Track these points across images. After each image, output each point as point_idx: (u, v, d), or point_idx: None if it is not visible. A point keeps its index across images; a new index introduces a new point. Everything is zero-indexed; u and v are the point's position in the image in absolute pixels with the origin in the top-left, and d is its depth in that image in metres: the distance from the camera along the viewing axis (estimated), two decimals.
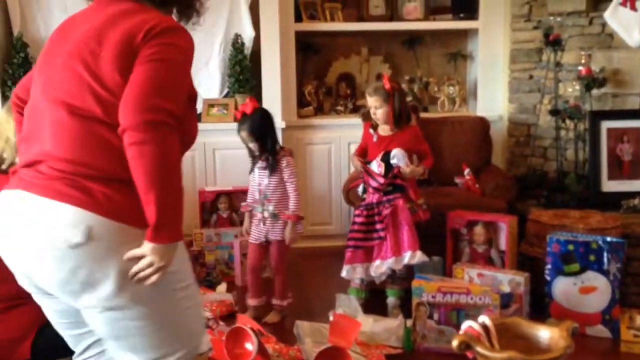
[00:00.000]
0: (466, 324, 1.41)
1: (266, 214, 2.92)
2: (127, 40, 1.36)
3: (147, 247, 1.33)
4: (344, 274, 2.96)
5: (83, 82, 1.38)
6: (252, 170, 2.97)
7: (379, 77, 4.51)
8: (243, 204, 3.10)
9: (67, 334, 1.58)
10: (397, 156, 2.88)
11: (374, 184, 2.93)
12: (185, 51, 1.40)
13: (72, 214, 1.33)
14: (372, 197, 2.96)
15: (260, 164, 2.92)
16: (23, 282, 1.48)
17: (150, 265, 1.33)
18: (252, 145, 2.88)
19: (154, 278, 1.34)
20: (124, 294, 1.36)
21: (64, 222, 1.33)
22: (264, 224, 2.93)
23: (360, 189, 3.10)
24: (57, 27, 1.57)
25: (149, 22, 1.38)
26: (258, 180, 2.93)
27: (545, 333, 1.35)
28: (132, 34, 1.36)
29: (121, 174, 1.35)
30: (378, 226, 2.91)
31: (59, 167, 1.36)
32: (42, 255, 1.36)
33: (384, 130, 3.01)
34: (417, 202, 3.01)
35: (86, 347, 1.58)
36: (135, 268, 1.34)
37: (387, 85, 2.92)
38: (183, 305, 1.47)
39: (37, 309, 1.58)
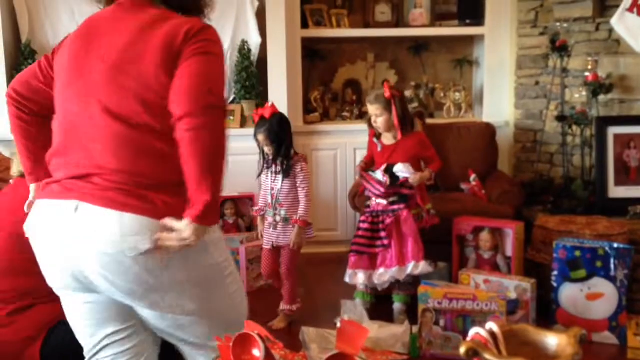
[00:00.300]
0: (473, 331, 1.40)
1: (278, 219, 2.92)
2: (169, 43, 1.40)
3: (188, 225, 1.35)
4: (346, 278, 2.97)
5: (129, 92, 1.41)
6: (259, 175, 2.97)
7: (391, 86, 4.53)
8: (255, 208, 3.10)
9: (88, 332, 1.57)
10: (401, 170, 2.90)
11: (374, 191, 2.93)
12: (220, 46, 1.47)
13: (137, 222, 1.37)
14: (377, 205, 2.97)
15: (274, 168, 2.92)
16: (65, 280, 1.48)
17: (182, 240, 1.35)
18: (267, 149, 2.88)
19: (174, 249, 1.37)
20: (186, 294, 1.45)
21: (129, 231, 1.36)
22: (275, 229, 2.94)
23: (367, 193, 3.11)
24: (76, 35, 1.57)
25: (184, 24, 1.43)
26: (271, 184, 2.93)
27: (552, 340, 1.34)
28: (172, 37, 1.41)
29: (173, 177, 1.39)
30: (382, 234, 2.92)
31: (115, 178, 1.38)
32: (106, 263, 1.38)
33: (388, 138, 3.02)
34: (424, 208, 3.01)
35: (104, 346, 1.57)
36: (165, 236, 1.35)
37: (387, 94, 2.92)
38: (231, 290, 1.58)
39: (47, 311, 1.66)
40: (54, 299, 1.63)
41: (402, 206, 2.91)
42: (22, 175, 1.98)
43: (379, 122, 2.96)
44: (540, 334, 1.37)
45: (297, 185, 2.89)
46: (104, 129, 1.41)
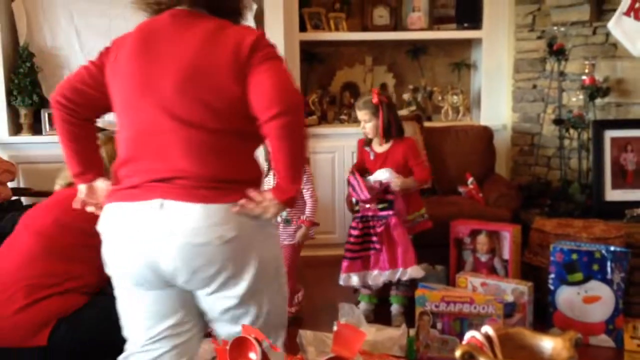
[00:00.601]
0: (469, 334, 1.41)
1: (279, 220, 2.94)
2: (236, 56, 1.50)
3: (272, 201, 1.53)
4: (340, 281, 2.98)
5: (204, 102, 1.51)
6: (267, 174, 2.97)
7: (382, 87, 4.54)
8: None
9: (147, 324, 1.62)
10: (384, 176, 2.89)
11: (360, 196, 2.93)
12: (277, 48, 1.60)
13: (222, 212, 1.49)
14: (366, 210, 2.96)
15: None
16: (143, 276, 1.54)
17: (264, 211, 1.52)
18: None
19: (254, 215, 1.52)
20: (256, 284, 1.55)
21: (215, 221, 1.48)
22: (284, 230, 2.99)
23: (354, 200, 3.11)
24: (133, 43, 1.61)
25: (245, 37, 1.53)
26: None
27: (548, 343, 1.35)
28: (238, 50, 1.51)
29: (251, 174, 1.59)
30: (374, 238, 2.92)
31: (197, 179, 1.49)
32: (193, 253, 1.48)
33: (379, 146, 3.02)
34: (419, 213, 3.03)
35: (162, 337, 1.63)
36: (251, 205, 1.50)
37: (375, 99, 2.93)
38: (284, 289, 1.70)
39: (64, 301, 1.84)
40: (70, 292, 1.87)
41: (390, 212, 2.91)
42: (68, 186, 2.09)
43: (368, 127, 2.98)
44: (536, 338, 1.38)
45: (301, 187, 2.91)
46: (181, 136, 1.51)
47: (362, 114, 2.98)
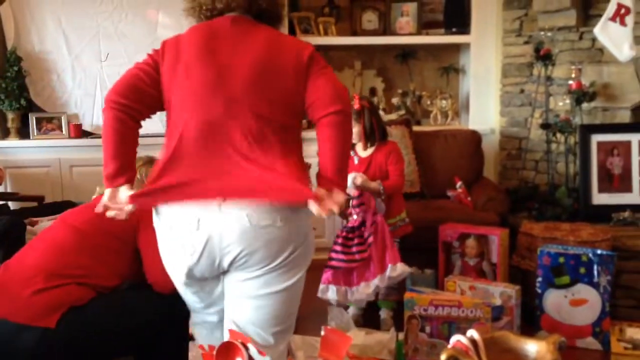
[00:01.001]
0: (454, 338, 1.42)
1: None
2: (298, 65, 1.72)
3: (339, 194, 1.65)
4: (318, 292, 2.89)
5: (275, 100, 1.70)
6: None
7: (371, 91, 4.56)
8: None
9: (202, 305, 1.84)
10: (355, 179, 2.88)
11: None
12: None
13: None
14: (355, 221, 2.91)
15: None
16: (207, 268, 1.69)
17: (337, 203, 1.64)
18: None
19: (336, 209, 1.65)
20: (295, 268, 1.74)
21: (276, 207, 1.64)
22: None
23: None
24: (196, 45, 1.74)
25: (304, 47, 1.77)
26: None
27: (532, 347, 1.36)
28: (299, 60, 1.72)
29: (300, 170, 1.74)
30: (356, 248, 2.85)
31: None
32: (252, 236, 1.63)
33: (363, 150, 3.01)
34: (400, 217, 3.01)
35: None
36: (327, 201, 1.62)
37: (357, 105, 2.89)
38: (303, 281, 1.84)
39: (80, 292, 1.95)
40: (87, 286, 1.98)
41: (361, 205, 2.87)
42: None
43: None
44: (521, 341, 1.39)
45: None
46: (255, 129, 1.67)
47: None
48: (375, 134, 2.95)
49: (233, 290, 1.73)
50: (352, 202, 2.88)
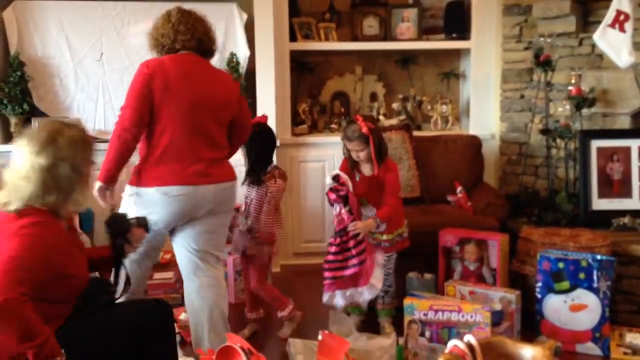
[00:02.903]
0: (452, 343, 1.43)
1: (245, 227, 2.96)
2: (236, 94, 2.60)
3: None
4: (324, 299, 2.89)
5: (227, 115, 2.56)
6: (242, 182, 3.00)
7: (373, 96, 4.57)
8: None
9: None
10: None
11: (335, 215, 2.87)
12: None
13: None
14: (346, 221, 2.84)
15: (248, 178, 2.99)
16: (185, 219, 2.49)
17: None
18: (242, 151, 2.92)
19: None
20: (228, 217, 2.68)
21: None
22: (244, 236, 2.97)
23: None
24: (176, 74, 2.41)
25: (235, 83, 2.67)
26: (246, 193, 3.00)
27: (528, 352, 1.37)
28: (235, 89, 2.61)
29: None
30: (354, 251, 2.81)
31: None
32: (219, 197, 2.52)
33: (367, 169, 2.97)
34: (398, 232, 2.99)
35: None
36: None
37: (364, 129, 2.86)
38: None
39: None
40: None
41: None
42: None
43: (362, 156, 2.90)
44: (517, 346, 1.40)
45: (269, 199, 2.92)
46: (217, 133, 2.50)
47: (353, 145, 2.91)
48: (383, 153, 2.92)
49: (196, 229, 2.51)
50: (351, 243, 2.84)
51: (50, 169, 1.88)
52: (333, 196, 2.80)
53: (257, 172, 2.94)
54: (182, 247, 2.56)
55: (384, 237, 2.95)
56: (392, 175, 2.93)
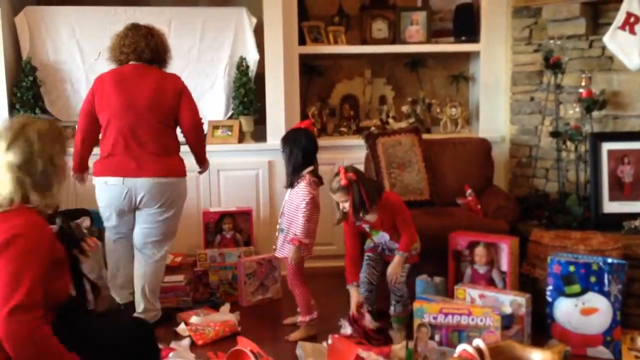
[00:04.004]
0: (460, 347, 1.43)
1: (280, 227, 3.08)
2: (177, 93, 3.02)
3: None
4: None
5: (160, 115, 2.98)
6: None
7: (382, 99, 4.57)
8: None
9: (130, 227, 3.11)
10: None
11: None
12: None
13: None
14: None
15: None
16: (125, 206, 2.99)
17: None
18: (282, 154, 3.04)
19: None
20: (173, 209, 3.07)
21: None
22: (279, 237, 3.09)
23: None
24: (111, 83, 2.98)
25: (178, 82, 3.07)
26: (285, 199, 3.09)
27: (537, 356, 1.37)
28: (176, 89, 3.03)
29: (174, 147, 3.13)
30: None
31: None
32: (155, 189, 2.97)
33: (368, 216, 2.94)
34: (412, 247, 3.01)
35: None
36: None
37: (343, 182, 2.85)
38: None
39: None
40: None
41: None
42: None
43: (347, 206, 2.90)
44: (525, 350, 1.40)
45: (298, 203, 2.96)
46: (150, 130, 2.96)
47: (337, 197, 2.92)
48: (367, 203, 2.85)
49: (142, 216, 3.02)
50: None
51: (24, 165, 1.80)
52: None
53: (290, 176, 3.01)
54: (136, 228, 3.08)
55: (403, 254, 2.97)
56: (395, 208, 2.97)
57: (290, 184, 3.01)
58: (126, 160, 2.92)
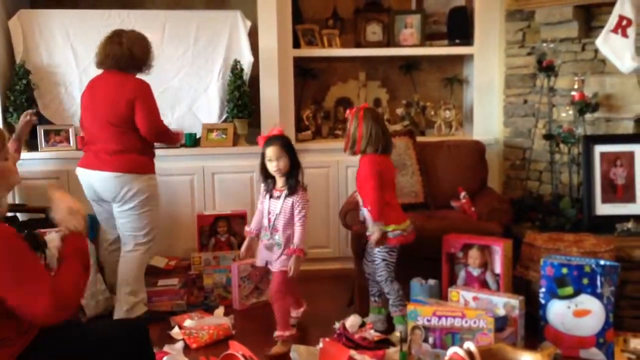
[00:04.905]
0: (451, 350, 1.44)
1: (272, 242, 2.95)
2: (131, 98, 3.13)
3: None
4: None
5: (116, 118, 3.14)
6: (266, 194, 2.99)
7: (376, 102, 4.58)
8: (247, 228, 3.12)
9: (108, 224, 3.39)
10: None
11: None
12: None
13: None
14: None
15: (275, 193, 2.95)
16: (92, 196, 3.27)
17: None
18: (278, 164, 2.88)
19: None
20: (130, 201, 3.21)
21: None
22: (270, 250, 2.97)
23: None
24: (87, 89, 3.29)
25: (133, 91, 3.14)
26: (269, 208, 2.95)
27: (527, 359, 1.38)
28: (133, 93, 3.14)
29: (134, 147, 3.23)
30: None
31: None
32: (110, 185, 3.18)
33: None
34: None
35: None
36: None
37: (347, 112, 3.12)
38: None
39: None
40: None
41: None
42: None
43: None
44: (516, 353, 1.40)
45: (295, 213, 2.90)
46: (109, 132, 3.15)
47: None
48: (357, 144, 3.03)
49: (111, 211, 3.27)
50: None
51: None
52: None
53: (294, 183, 2.92)
54: None
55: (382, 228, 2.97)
56: (360, 172, 3.04)
57: (290, 193, 2.91)
58: (91, 155, 3.20)
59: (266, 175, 2.97)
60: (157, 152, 3.41)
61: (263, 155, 2.94)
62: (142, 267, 3.29)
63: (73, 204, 1.90)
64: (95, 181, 3.18)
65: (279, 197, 2.93)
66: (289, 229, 2.91)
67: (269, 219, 2.94)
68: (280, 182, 2.95)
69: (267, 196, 2.97)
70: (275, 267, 2.95)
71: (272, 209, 2.94)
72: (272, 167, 2.90)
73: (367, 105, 3.16)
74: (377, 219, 2.93)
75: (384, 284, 3.01)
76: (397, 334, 2.96)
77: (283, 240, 2.91)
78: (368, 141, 3.00)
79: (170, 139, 3.40)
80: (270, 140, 2.94)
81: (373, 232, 2.93)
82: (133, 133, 3.15)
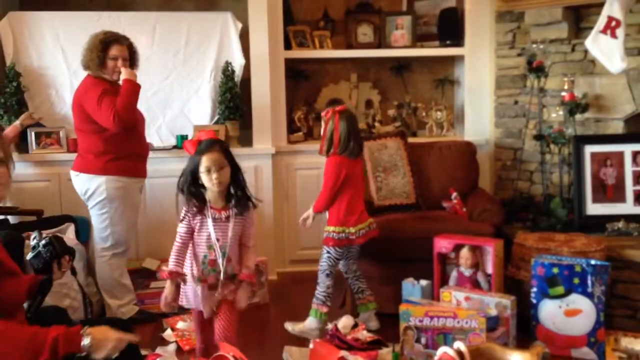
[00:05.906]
0: (441, 350, 1.44)
1: (222, 276, 2.34)
2: (85, 98, 3.20)
3: None
4: None
5: (79, 120, 3.27)
6: (200, 217, 2.34)
7: (368, 103, 4.58)
8: (167, 268, 2.40)
9: None
10: None
11: None
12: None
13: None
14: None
15: (218, 214, 2.34)
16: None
17: None
18: (224, 173, 2.31)
19: None
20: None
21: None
22: (214, 289, 2.36)
23: None
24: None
25: (78, 94, 3.25)
26: (216, 234, 2.33)
27: (516, 358, 1.39)
28: (78, 102, 3.25)
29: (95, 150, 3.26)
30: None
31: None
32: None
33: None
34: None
35: None
36: None
37: (324, 113, 3.21)
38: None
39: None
40: None
41: None
42: None
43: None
44: (505, 352, 1.41)
45: (246, 232, 2.40)
46: (77, 134, 3.33)
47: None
48: (333, 146, 3.08)
49: None
50: None
51: None
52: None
53: (244, 198, 2.39)
54: None
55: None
56: (324, 172, 3.09)
57: (242, 210, 2.37)
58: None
59: (193, 192, 2.33)
60: (149, 154, 3.43)
61: (195, 165, 2.31)
62: (113, 273, 3.31)
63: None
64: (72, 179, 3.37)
65: (227, 219, 2.34)
66: (235, 253, 2.40)
67: (220, 247, 2.33)
68: (219, 199, 2.35)
69: (208, 219, 2.33)
70: (242, 303, 2.40)
71: (220, 235, 2.33)
72: (211, 179, 2.29)
73: (344, 107, 3.14)
74: (318, 210, 3.11)
75: (320, 274, 3.07)
76: (300, 325, 3.06)
77: (235, 270, 2.39)
78: (342, 144, 3.04)
79: (134, 94, 3.15)
80: (205, 146, 2.31)
81: (307, 214, 3.12)
82: (93, 135, 3.20)
